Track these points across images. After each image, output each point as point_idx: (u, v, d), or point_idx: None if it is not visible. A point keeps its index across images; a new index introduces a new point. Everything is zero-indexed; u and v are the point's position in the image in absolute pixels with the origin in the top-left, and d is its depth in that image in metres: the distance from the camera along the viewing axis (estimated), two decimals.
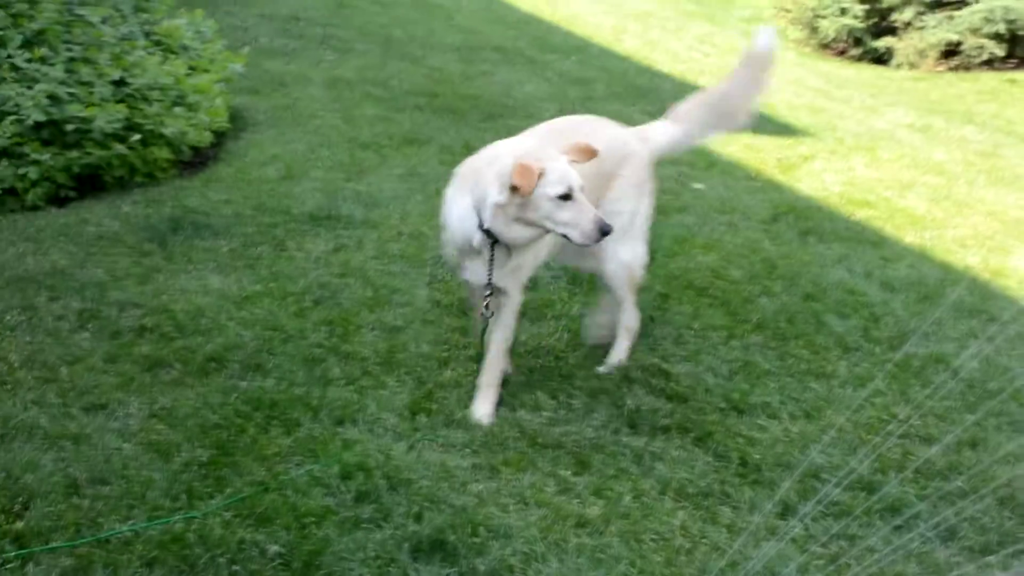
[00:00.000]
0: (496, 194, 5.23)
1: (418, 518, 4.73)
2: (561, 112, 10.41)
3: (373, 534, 4.61)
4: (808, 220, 8.82)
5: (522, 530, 4.76)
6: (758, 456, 5.53)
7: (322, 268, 7.01)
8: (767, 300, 7.26)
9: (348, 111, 10.39)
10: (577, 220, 5.19)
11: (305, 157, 9.03)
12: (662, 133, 6.34)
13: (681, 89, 13.18)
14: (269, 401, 5.44)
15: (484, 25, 15.55)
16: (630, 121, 10.46)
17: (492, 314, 5.61)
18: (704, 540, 4.85)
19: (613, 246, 5.90)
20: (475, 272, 5.60)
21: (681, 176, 9.50)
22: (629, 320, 6.25)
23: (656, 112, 11.47)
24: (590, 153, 5.41)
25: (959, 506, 5.19)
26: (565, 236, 5.28)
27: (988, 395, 6.39)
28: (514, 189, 5.15)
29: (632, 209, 6.07)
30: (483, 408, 5.62)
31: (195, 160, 8.85)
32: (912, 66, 18.58)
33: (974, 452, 5.81)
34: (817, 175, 10.16)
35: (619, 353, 6.27)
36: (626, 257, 6.06)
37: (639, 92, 12.53)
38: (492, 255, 5.47)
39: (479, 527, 4.72)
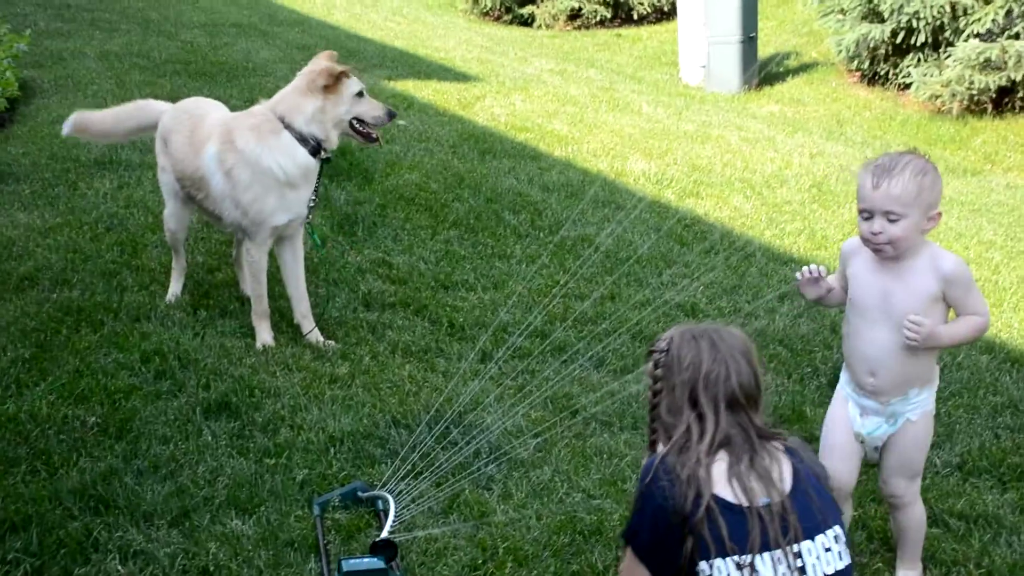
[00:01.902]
0: (313, 103, 4.95)
1: (206, 387, 4.58)
2: (292, 71, 10.12)
3: (171, 402, 4.44)
4: (484, 143, 8.84)
5: (288, 389, 4.67)
6: (462, 319, 5.57)
7: (110, 202, 6.60)
8: (459, 204, 7.26)
9: (120, 78, 9.76)
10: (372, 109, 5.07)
11: None
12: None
13: (381, 50, 13.05)
14: (77, 307, 5.13)
15: (222, 6, 14.86)
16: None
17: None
18: (427, 384, 4.87)
19: None
20: (295, 205, 5.06)
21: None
22: None
23: (365, 67, 11.36)
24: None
25: (605, 342, 5.35)
26: (363, 122, 5.07)
27: (620, 262, 6.60)
28: (326, 88, 4.94)
29: None
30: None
31: None
32: (549, 27, 18.80)
33: (613, 303, 6.00)
34: (488, 110, 10.19)
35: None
36: None
37: (350, 53, 12.23)
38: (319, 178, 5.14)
39: (255, 389, 4.60)
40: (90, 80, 9.57)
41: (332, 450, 4.22)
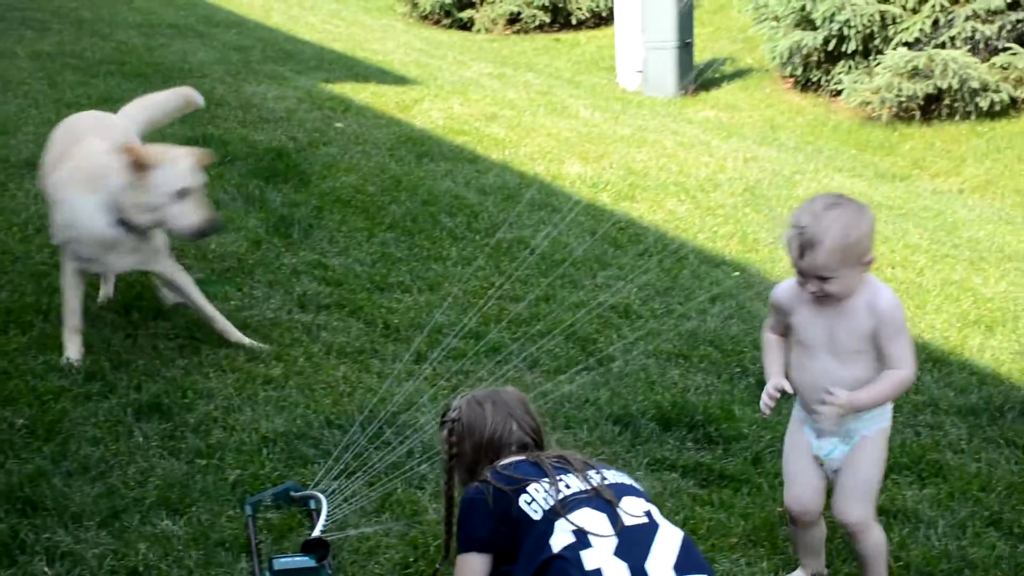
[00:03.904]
0: (117, 177, 4.50)
1: (138, 388, 4.55)
2: (228, 73, 10.08)
3: (102, 403, 4.41)
4: (422, 146, 8.84)
5: (221, 390, 4.65)
6: (397, 320, 5.58)
7: (40, 203, 6.45)
8: (396, 207, 7.27)
9: (52, 78, 9.62)
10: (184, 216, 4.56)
11: (17, 116, 8.31)
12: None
13: (319, 52, 13.00)
14: (5, 309, 5.07)
15: (159, 7, 14.67)
16: (283, 77, 10.18)
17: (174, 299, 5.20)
18: (361, 385, 4.87)
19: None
20: (99, 265, 4.82)
21: (325, 118, 9.33)
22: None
23: (303, 69, 11.34)
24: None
25: (539, 344, 5.40)
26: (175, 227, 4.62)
27: (555, 264, 6.64)
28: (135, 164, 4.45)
29: None
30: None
31: None
32: (488, 31, 18.83)
33: (548, 304, 6.05)
34: (426, 113, 10.19)
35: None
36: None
37: (288, 55, 12.18)
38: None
39: (187, 391, 4.58)
40: (21, 80, 9.42)
41: (265, 451, 4.22)
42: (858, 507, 3.58)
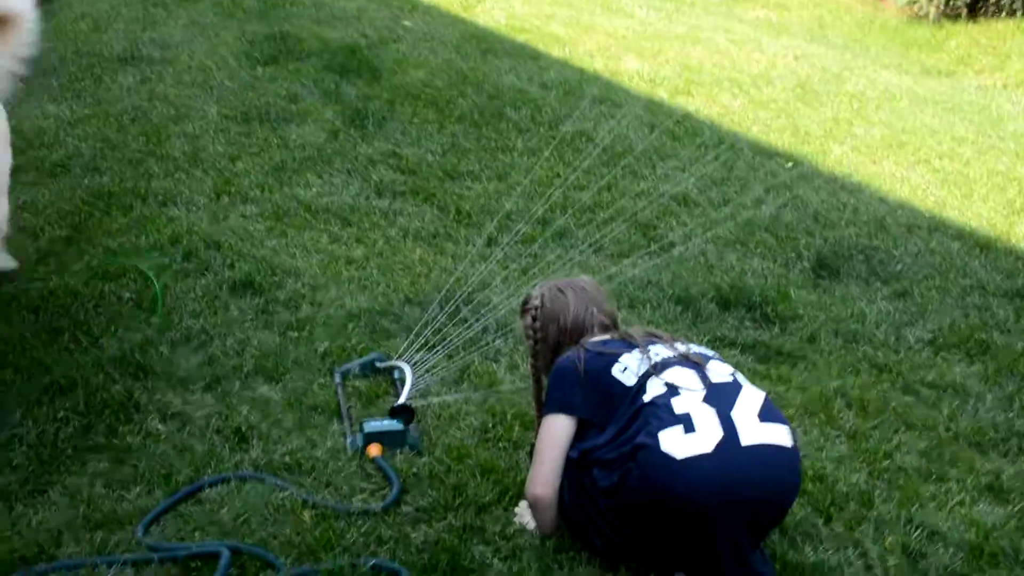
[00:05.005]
0: None
1: (231, 267, 4.59)
2: None
3: (199, 280, 4.46)
4: (486, 43, 8.69)
5: (307, 269, 4.69)
6: (468, 207, 5.57)
7: (134, 95, 6.53)
8: (463, 100, 7.17)
9: None
10: None
11: (108, 14, 8.27)
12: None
13: None
14: (107, 193, 5.12)
15: None
16: None
17: None
18: (436, 266, 4.89)
19: None
20: None
21: (393, 16, 9.19)
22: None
23: None
24: None
25: (604, 230, 5.37)
26: None
27: (616, 155, 6.56)
28: None
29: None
30: None
31: None
32: None
33: (610, 193, 5.99)
34: (488, 12, 9.99)
35: None
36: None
37: None
38: None
39: (276, 269, 4.62)
40: None
41: (350, 325, 4.26)
42: None
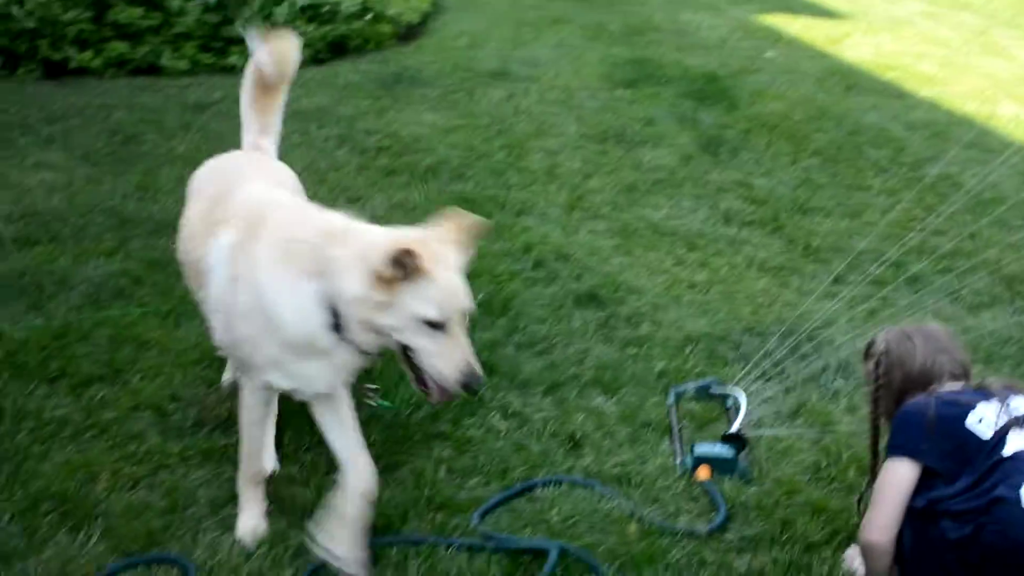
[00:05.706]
0: (360, 285, 2.68)
1: (578, 279, 4.75)
2: (667, 2, 10.00)
3: (547, 289, 4.64)
4: (849, 79, 8.45)
5: (650, 289, 4.75)
6: (817, 242, 5.42)
7: (500, 109, 6.93)
8: (821, 135, 7.01)
9: (515, 1, 10.14)
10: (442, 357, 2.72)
11: (484, 32, 8.86)
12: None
13: None
14: (470, 198, 5.44)
15: None
16: (718, 7, 9.98)
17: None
18: (779, 299, 4.80)
19: None
20: (300, 377, 2.93)
21: (756, 47, 9.14)
22: None
23: (738, 0, 11.02)
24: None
25: (964, 280, 5.04)
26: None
27: (984, 203, 6.14)
28: (380, 279, 2.64)
29: None
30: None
31: (408, 33, 8.74)
32: None
33: (974, 241, 5.62)
34: (855, 47, 9.71)
35: None
36: None
37: None
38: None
39: (620, 286, 4.72)
40: (487, 1, 9.98)
41: (688, 348, 4.27)
42: None
